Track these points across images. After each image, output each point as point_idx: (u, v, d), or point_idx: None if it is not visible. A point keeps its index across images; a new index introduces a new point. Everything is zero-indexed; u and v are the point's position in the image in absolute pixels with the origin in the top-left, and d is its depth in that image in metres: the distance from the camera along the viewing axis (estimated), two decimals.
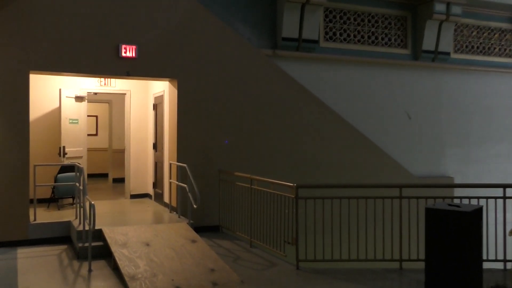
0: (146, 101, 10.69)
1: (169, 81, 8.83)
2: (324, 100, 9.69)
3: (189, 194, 7.79)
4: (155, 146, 10.14)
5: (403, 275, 6.21)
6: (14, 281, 5.79)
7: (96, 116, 14.70)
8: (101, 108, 14.39)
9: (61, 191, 8.93)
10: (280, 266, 6.46)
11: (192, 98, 8.58)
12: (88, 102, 10.20)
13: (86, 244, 6.39)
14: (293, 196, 6.39)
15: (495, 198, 6.34)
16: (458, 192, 7.90)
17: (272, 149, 9.13)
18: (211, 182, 8.42)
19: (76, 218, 7.67)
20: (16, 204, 7.44)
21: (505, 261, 6.33)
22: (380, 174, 9.83)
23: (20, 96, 7.54)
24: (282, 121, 9.26)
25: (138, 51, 8.15)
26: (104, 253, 6.64)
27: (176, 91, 8.55)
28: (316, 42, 9.94)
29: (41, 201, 8.75)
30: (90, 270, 6.14)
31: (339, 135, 9.76)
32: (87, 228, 6.41)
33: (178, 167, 8.25)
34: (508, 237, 6.17)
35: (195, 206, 7.65)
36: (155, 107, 10.13)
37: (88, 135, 11.08)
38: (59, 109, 9.45)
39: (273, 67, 9.29)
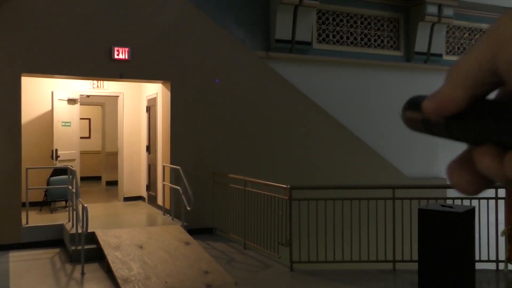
0: (139, 104, 10.66)
1: (162, 83, 8.81)
2: (317, 101, 9.70)
3: (183, 197, 7.76)
4: (148, 149, 10.11)
5: (396, 276, 6.22)
6: (6, 285, 5.74)
7: (89, 119, 14.63)
8: (94, 111, 14.32)
9: (53, 194, 8.87)
10: (274, 268, 6.46)
11: (185, 100, 8.56)
12: (80, 104, 10.14)
13: (79, 247, 6.35)
14: (286, 198, 6.39)
15: (487, 198, 6.37)
16: (450, 193, 7.93)
17: (266, 151, 9.12)
18: (205, 184, 8.40)
19: (69, 221, 7.63)
20: (8, 207, 7.39)
21: (497, 261, 6.36)
22: (374, 176, 9.84)
23: (12, 99, 7.50)
24: (276, 122, 9.25)
25: (131, 53, 8.13)
26: (97, 256, 6.60)
27: (169, 93, 8.53)
28: (309, 44, 9.96)
29: (34, 204, 8.68)
30: (83, 273, 6.11)
31: (332, 137, 9.78)
32: (80, 231, 6.38)
33: (172, 169, 8.23)
34: (500, 238, 6.21)
35: (188, 208, 7.62)
36: (148, 109, 10.10)
37: (81, 137, 11.02)
38: (51, 112, 9.39)
39: (266, 69, 9.29)
